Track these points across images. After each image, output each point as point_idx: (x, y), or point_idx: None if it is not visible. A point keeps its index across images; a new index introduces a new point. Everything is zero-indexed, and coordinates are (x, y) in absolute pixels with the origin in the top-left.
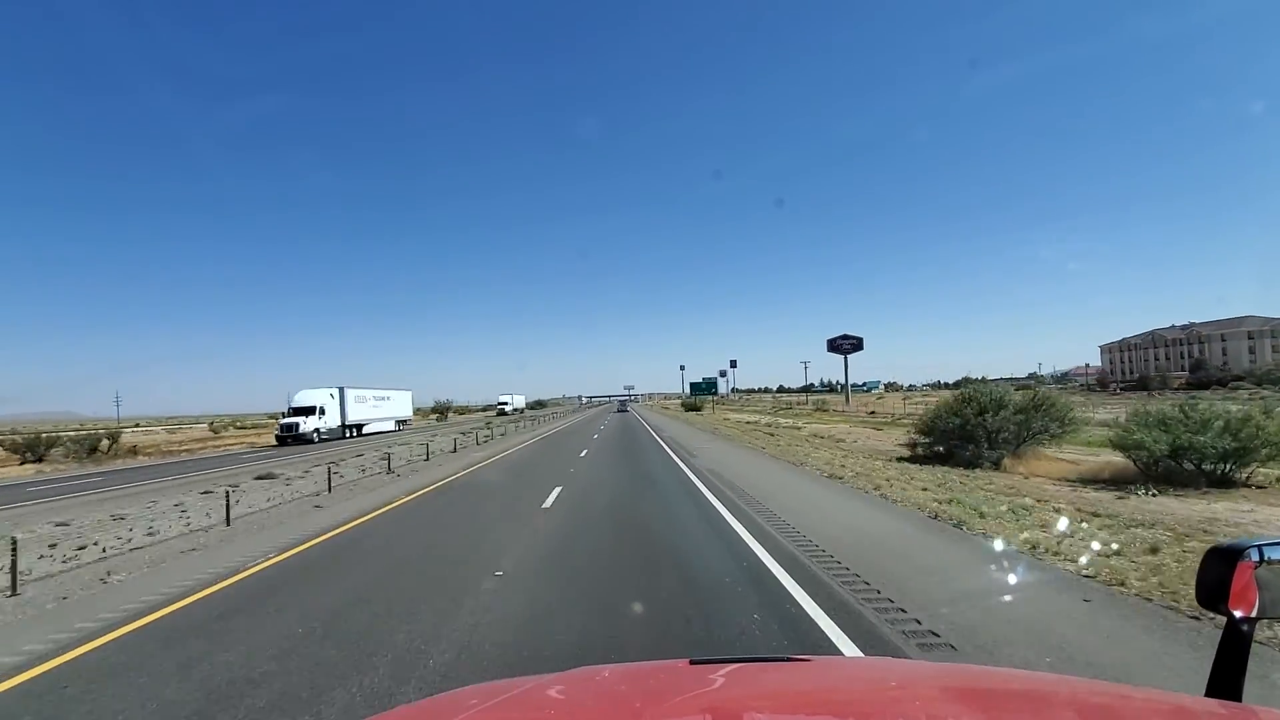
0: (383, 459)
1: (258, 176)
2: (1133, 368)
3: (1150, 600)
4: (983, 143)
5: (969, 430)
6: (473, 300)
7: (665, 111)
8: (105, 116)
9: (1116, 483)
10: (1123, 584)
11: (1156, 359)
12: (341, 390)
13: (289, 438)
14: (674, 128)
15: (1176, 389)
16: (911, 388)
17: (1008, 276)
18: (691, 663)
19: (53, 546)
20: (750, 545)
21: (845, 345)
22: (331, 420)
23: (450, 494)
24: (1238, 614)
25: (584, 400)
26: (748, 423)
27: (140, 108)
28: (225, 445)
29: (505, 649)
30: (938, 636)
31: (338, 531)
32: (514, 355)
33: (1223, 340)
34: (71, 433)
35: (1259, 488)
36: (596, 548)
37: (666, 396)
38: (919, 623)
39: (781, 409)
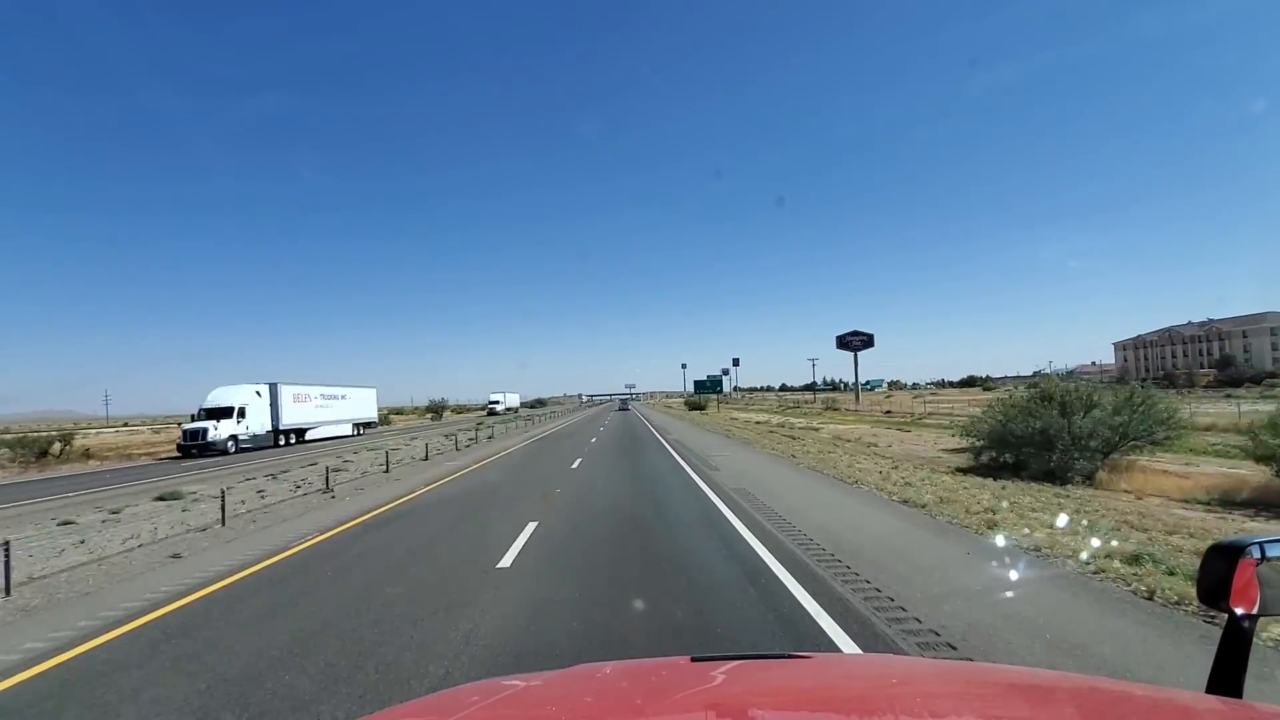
0: (331, 473)
1: (258, 176)
2: (1149, 365)
3: None
4: (983, 142)
5: (1050, 436)
6: (474, 300)
7: (666, 111)
8: (105, 116)
9: (1270, 506)
10: None
11: (1174, 356)
12: (274, 387)
13: (194, 448)
14: (674, 127)
15: (1205, 387)
16: (915, 386)
17: (1010, 275)
18: (692, 660)
19: None
20: None
21: (855, 342)
22: (257, 424)
23: (382, 532)
24: (1239, 611)
25: (584, 399)
26: (758, 423)
27: (141, 108)
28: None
29: None
30: None
31: (174, 607)
32: (515, 354)
33: (1244, 337)
34: (43, 433)
35: None
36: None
37: (668, 395)
38: None
39: (789, 408)
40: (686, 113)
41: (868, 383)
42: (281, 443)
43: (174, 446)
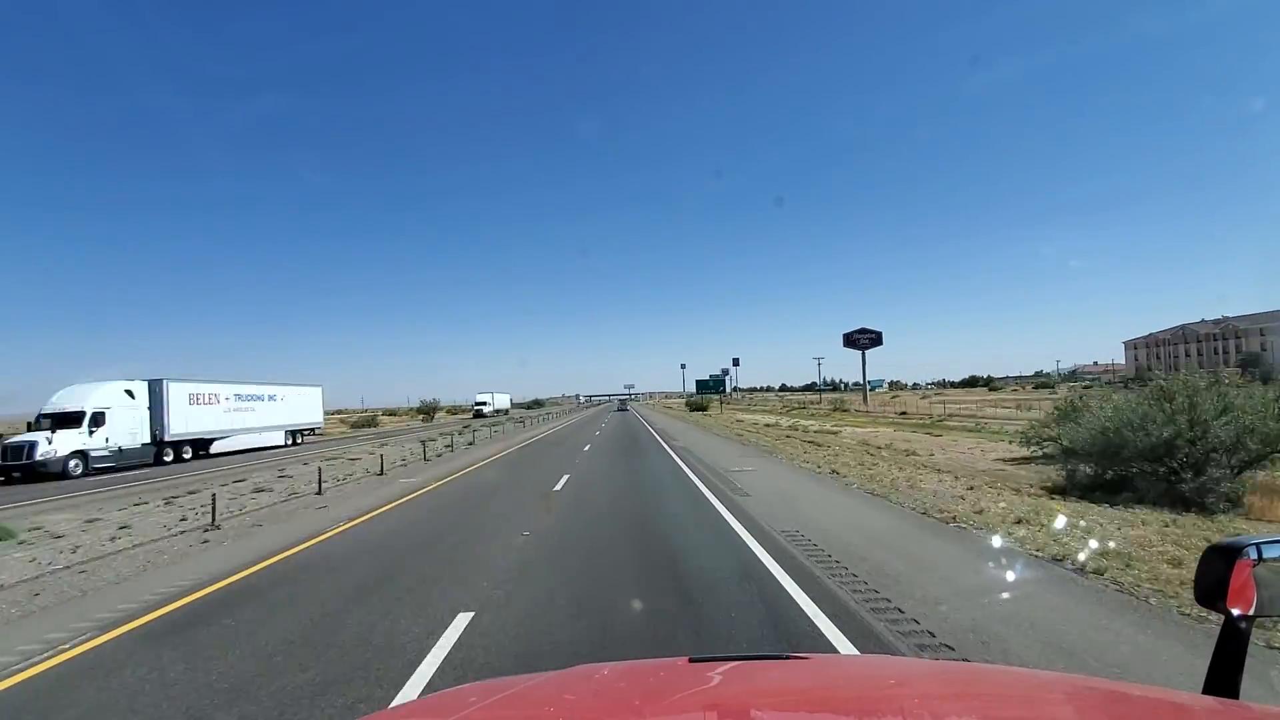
0: (227, 503)
1: (258, 176)
2: (1161, 364)
3: None
4: (983, 141)
5: (1173, 448)
6: (474, 299)
7: (666, 111)
8: (105, 117)
9: None
10: None
11: (1187, 355)
12: (155, 385)
13: (14, 470)
14: (674, 127)
15: (1235, 386)
16: (915, 386)
17: (1011, 274)
18: (690, 661)
19: None
20: None
21: (863, 340)
22: (125, 434)
23: (236, 615)
24: (1235, 612)
25: (582, 399)
26: (767, 425)
27: (141, 108)
28: None
29: None
30: None
31: None
32: (515, 353)
33: (1262, 335)
34: None
35: None
36: None
37: (667, 395)
38: None
39: (795, 409)
40: (686, 113)
41: (869, 383)
42: (169, 458)
43: None
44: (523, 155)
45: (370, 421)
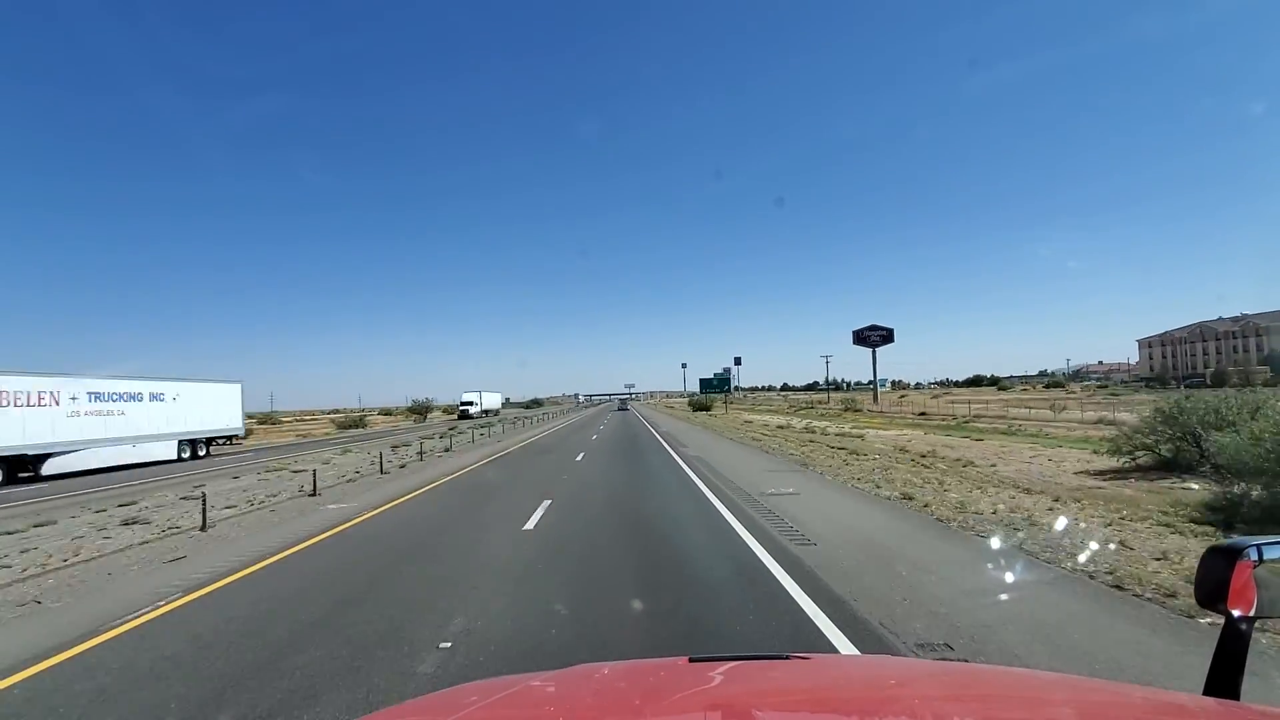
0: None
1: (258, 176)
2: (1177, 363)
3: None
4: (983, 141)
5: None
6: (474, 299)
7: (666, 111)
8: (105, 116)
9: None
10: None
11: (1205, 353)
12: None
13: None
14: (674, 127)
15: (1264, 385)
16: (918, 386)
17: (1011, 274)
18: (691, 660)
19: None
20: None
21: (874, 337)
22: None
23: None
24: (1236, 613)
25: (582, 399)
26: (779, 427)
27: (141, 108)
28: None
29: None
30: None
31: None
32: (515, 353)
33: None
34: None
35: None
36: None
37: (668, 395)
38: None
39: (803, 409)
40: (686, 113)
41: (870, 383)
42: None
43: None
44: (523, 155)
45: (358, 422)
